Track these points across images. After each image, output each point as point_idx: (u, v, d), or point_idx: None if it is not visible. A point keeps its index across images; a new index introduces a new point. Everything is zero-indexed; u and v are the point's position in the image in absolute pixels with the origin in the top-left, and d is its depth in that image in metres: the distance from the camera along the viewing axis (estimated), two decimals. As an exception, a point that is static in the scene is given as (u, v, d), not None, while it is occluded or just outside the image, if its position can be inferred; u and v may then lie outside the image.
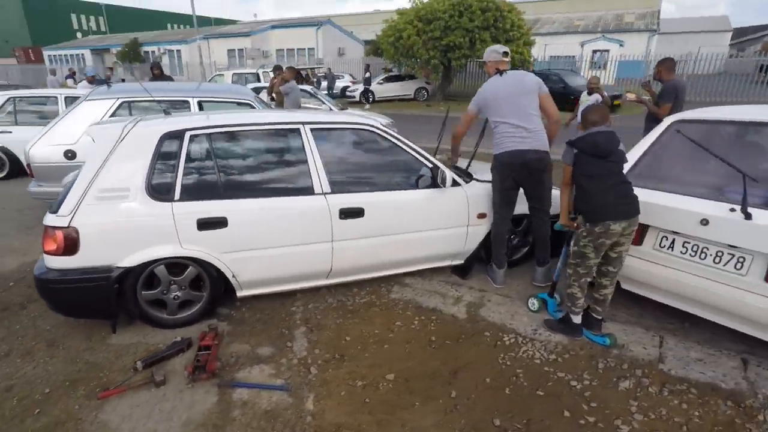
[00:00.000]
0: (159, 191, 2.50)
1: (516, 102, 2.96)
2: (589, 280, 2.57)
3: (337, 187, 2.84)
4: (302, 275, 2.91)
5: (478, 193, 3.20)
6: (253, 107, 4.59)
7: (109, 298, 2.45)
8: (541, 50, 25.52)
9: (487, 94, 3.08)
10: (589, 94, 6.70)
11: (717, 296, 2.30)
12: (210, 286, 2.71)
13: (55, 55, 34.18)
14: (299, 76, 13.74)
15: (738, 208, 2.21)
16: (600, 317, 2.62)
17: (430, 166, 3.04)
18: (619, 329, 2.75)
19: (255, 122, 2.78)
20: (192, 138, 2.60)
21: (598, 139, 2.41)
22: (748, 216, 2.15)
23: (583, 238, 2.47)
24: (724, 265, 2.28)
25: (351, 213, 2.83)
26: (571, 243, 2.61)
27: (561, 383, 2.32)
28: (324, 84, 17.56)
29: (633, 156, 2.83)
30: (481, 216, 3.21)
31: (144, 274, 2.53)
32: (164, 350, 2.46)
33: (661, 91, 4.85)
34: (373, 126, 3.01)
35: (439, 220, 3.10)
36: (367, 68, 17.35)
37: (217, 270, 2.66)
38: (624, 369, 2.41)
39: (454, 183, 3.10)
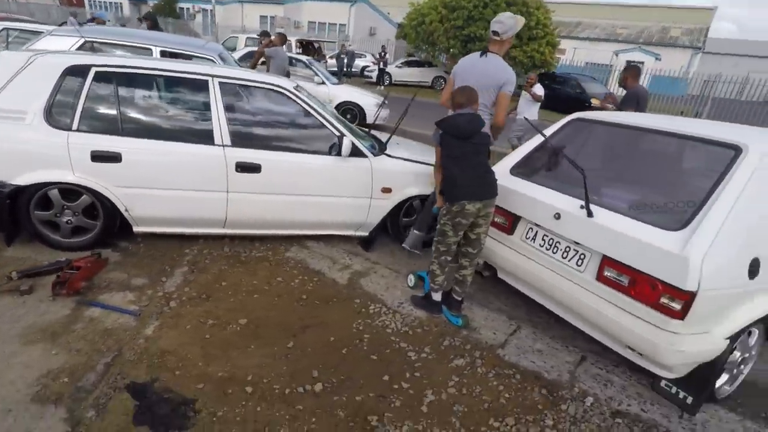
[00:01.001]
0: (57, 119, 2.65)
1: (479, 90, 2.77)
2: (449, 258, 2.64)
3: (237, 141, 2.95)
4: (197, 220, 3.05)
5: (385, 168, 3.26)
6: (214, 62, 4.70)
7: (1, 212, 2.63)
8: (574, 54, 24.80)
9: (460, 70, 3.04)
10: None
11: (561, 291, 2.35)
12: (103, 216, 2.87)
13: (95, 1, 34.99)
14: (312, 48, 13.83)
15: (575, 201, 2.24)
16: (459, 298, 2.68)
17: (337, 134, 3.12)
18: (484, 314, 2.82)
19: (164, 68, 2.89)
20: (98, 74, 2.73)
21: (459, 121, 2.45)
22: (590, 214, 2.18)
23: (443, 216, 2.54)
24: (569, 261, 2.32)
25: (247, 168, 2.94)
26: None
27: (399, 353, 2.41)
28: (341, 62, 17.53)
29: (528, 147, 2.86)
30: (386, 191, 3.28)
31: (37, 194, 2.71)
32: (44, 266, 2.64)
33: (623, 98, 4.85)
34: (284, 87, 3.09)
35: (339, 188, 3.18)
36: (382, 50, 17.22)
37: (111, 202, 2.82)
38: (465, 349, 2.48)
39: (361, 154, 3.18)
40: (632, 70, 4.66)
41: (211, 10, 31.44)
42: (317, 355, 2.31)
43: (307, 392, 2.06)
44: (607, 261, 2.12)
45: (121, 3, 34.81)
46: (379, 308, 2.78)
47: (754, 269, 1.93)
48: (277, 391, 2.04)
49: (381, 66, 17.50)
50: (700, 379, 2.03)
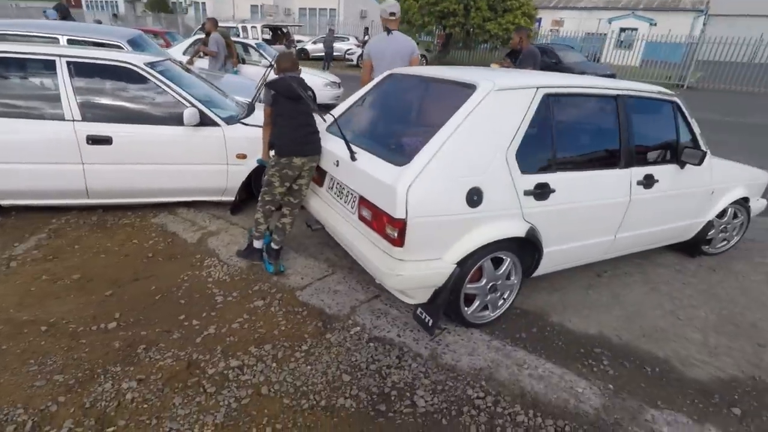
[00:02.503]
0: None
1: (394, 62, 3.61)
2: (273, 208, 2.86)
3: (88, 115, 3.20)
4: (58, 192, 3.32)
5: (239, 135, 3.47)
6: (122, 48, 4.95)
7: None
8: (573, 25, 24.17)
9: (373, 49, 3.79)
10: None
11: (343, 234, 2.52)
12: (-31, 191, 3.18)
13: (92, 1, 35.71)
14: (280, 33, 13.96)
15: (362, 150, 2.41)
16: (277, 246, 2.91)
17: (187, 105, 3.33)
18: (306, 263, 3.05)
19: (10, 51, 3.15)
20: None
21: (291, 83, 2.65)
22: (353, 158, 2.36)
23: (272, 167, 2.76)
24: (347, 205, 2.51)
25: (98, 140, 3.19)
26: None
27: (208, 297, 2.65)
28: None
29: (345, 106, 3.03)
30: (241, 156, 3.49)
31: None
32: None
33: (520, 59, 4.94)
34: (132, 64, 3.31)
35: (192, 156, 3.41)
36: (366, 31, 17.21)
37: (-26, 178, 3.12)
38: (270, 292, 2.71)
39: (213, 123, 3.39)
40: (523, 31, 4.76)
41: (203, 3, 31.75)
42: (129, 302, 2.57)
43: (99, 330, 2.32)
44: (362, 200, 2.31)
45: (116, 1, 35.40)
46: (213, 262, 3.02)
47: (475, 198, 2.08)
48: (71, 330, 2.31)
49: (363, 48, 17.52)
50: (436, 303, 2.21)
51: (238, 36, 13.17)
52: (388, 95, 2.87)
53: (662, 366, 2.25)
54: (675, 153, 2.84)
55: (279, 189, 2.79)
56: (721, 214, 3.37)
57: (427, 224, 2.03)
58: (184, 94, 3.39)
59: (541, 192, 2.27)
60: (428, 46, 18.37)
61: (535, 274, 2.58)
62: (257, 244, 2.94)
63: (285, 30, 13.53)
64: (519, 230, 2.24)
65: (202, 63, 7.26)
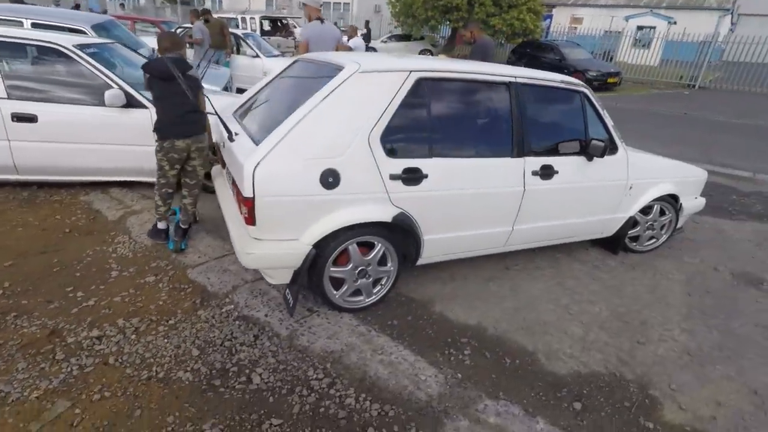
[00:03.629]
0: None
1: (328, 47, 4.40)
2: (170, 191, 2.90)
3: (14, 94, 3.30)
4: (-14, 168, 3.44)
5: (166, 118, 3.52)
6: (86, 34, 5.07)
7: None
8: (596, 22, 23.44)
9: (312, 34, 4.48)
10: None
11: (225, 213, 2.52)
12: None
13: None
14: (279, 25, 14.03)
15: (243, 132, 2.42)
16: (184, 226, 2.96)
17: (114, 87, 3.40)
18: (213, 243, 3.07)
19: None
20: None
21: (162, 64, 2.66)
22: (231, 139, 2.37)
23: (158, 153, 2.79)
24: (229, 184, 2.52)
25: (23, 118, 3.29)
26: None
27: (103, 271, 2.71)
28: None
29: (256, 87, 3.05)
30: (168, 139, 3.54)
31: None
32: None
33: (472, 50, 4.88)
34: (61, 45, 3.39)
35: (119, 137, 3.48)
36: (366, 25, 17.16)
37: None
38: (165, 269, 2.76)
39: (141, 105, 3.45)
40: (474, 25, 4.72)
41: (218, -5, 32.13)
42: (26, 273, 2.64)
43: (-20, 297, 2.41)
44: (233, 180, 2.32)
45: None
46: (123, 239, 3.08)
47: (330, 180, 2.07)
48: (-52, 296, 2.39)
49: (365, 41, 17.50)
50: (294, 284, 2.21)
51: (237, 27, 13.33)
52: (288, 79, 2.86)
53: (525, 358, 2.20)
54: (582, 145, 2.76)
55: (170, 172, 2.82)
56: (647, 211, 3.27)
57: (277, 204, 2.03)
58: (112, 76, 3.46)
59: (411, 177, 2.24)
60: (433, 40, 18.21)
61: (422, 261, 2.55)
62: (161, 225, 2.98)
63: (284, 21, 13.59)
64: (384, 215, 2.22)
65: (190, 52, 7.43)
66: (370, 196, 2.18)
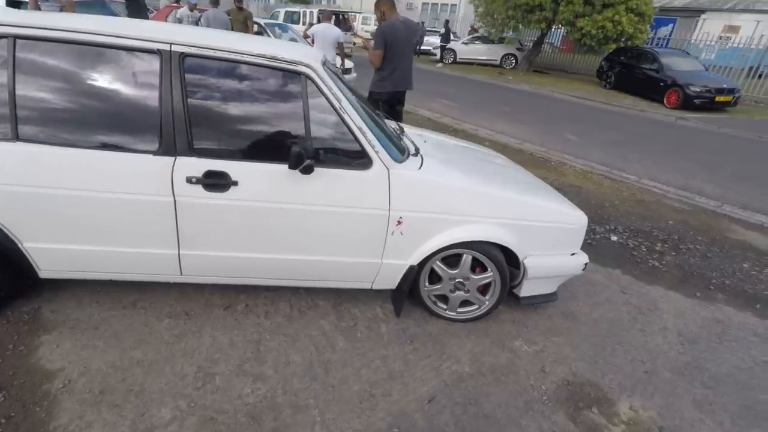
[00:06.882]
0: None
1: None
2: None
3: None
4: None
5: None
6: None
7: None
8: (756, 30, 19.16)
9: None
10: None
11: None
12: None
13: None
14: (342, 19, 14.00)
15: None
16: None
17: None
18: None
19: None
20: None
21: None
22: None
23: None
24: None
25: None
26: None
27: None
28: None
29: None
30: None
31: None
32: None
33: (374, 33, 4.13)
34: None
35: None
36: (445, 24, 16.24)
37: None
38: None
39: None
40: (385, 4, 3.88)
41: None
42: None
43: None
44: None
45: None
46: None
47: None
48: None
49: (442, 42, 16.69)
50: None
51: (299, 21, 13.63)
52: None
53: None
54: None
55: None
56: (454, 262, 2.22)
57: None
58: None
59: (-31, 163, 1.71)
60: (513, 42, 16.48)
61: (48, 275, 2.00)
62: None
63: (345, 16, 13.49)
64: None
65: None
66: None
